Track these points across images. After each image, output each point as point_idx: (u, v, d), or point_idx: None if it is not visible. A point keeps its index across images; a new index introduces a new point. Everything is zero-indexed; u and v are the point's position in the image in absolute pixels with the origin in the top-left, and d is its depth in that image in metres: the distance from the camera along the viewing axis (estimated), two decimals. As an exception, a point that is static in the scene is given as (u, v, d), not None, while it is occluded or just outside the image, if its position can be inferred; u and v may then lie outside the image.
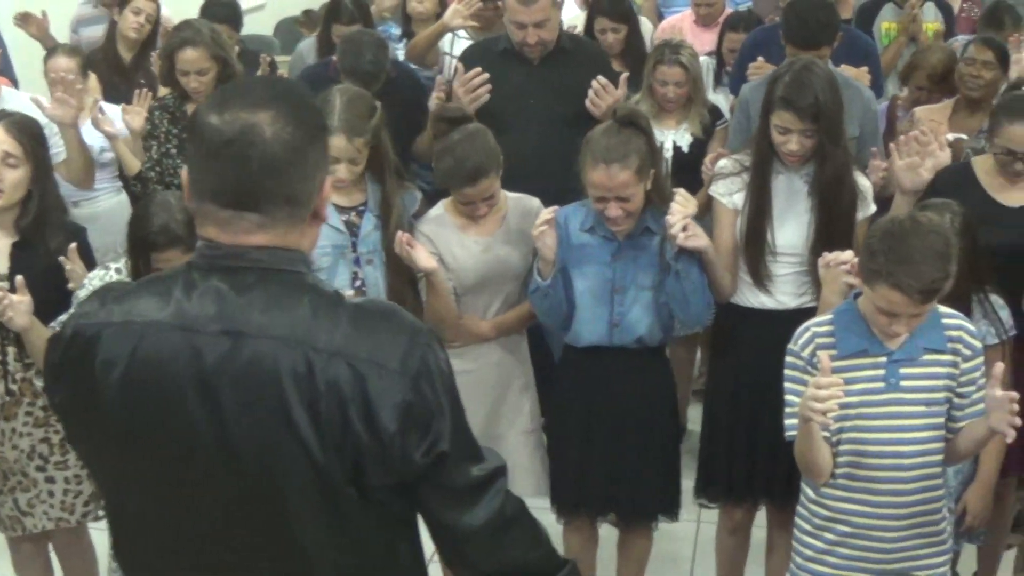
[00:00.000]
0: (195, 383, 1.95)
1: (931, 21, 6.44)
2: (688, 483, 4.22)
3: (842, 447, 3.16)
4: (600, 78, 4.63)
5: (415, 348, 2.00)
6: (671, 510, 4.10)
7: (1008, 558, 4.39)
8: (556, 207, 3.85)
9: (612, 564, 4.31)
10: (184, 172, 2.03)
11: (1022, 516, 4.24)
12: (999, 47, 5.14)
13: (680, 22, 6.70)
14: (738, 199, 3.96)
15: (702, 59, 5.84)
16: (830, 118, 3.81)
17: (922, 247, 2.97)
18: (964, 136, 4.71)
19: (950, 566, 4.31)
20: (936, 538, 3.26)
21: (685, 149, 5.03)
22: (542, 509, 4.15)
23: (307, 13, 9.06)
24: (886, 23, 6.42)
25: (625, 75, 4.71)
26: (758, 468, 4.01)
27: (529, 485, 4.09)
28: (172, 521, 2.04)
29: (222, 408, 1.94)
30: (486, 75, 4.79)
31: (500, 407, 4.07)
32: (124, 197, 5.37)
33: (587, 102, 4.60)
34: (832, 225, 3.88)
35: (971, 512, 3.81)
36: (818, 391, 2.93)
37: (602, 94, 4.59)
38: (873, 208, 3.99)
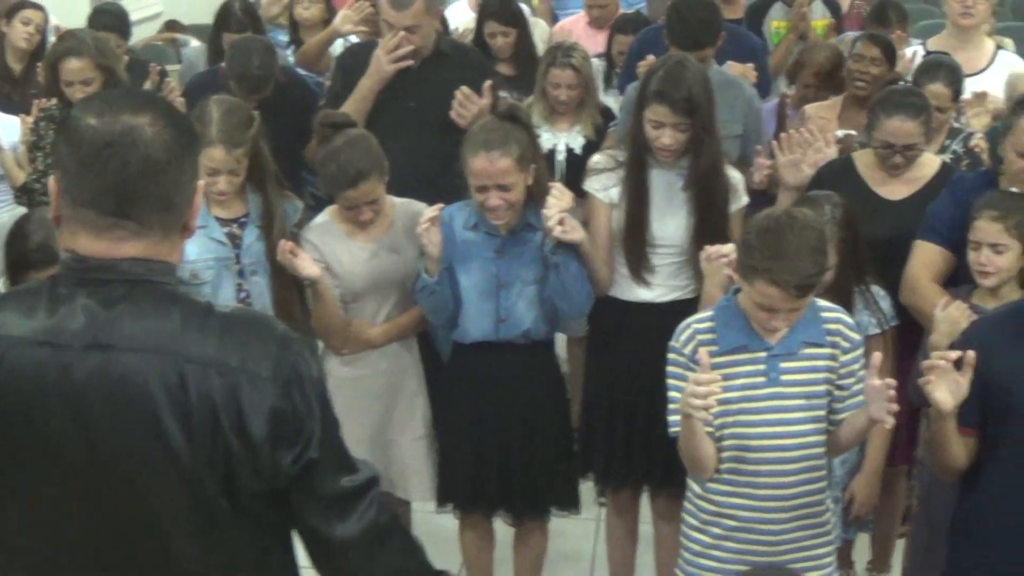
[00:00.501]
0: (64, 400, 1.93)
1: (820, 19, 6.51)
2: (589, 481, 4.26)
3: (726, 442, 3.20)
4: (464, 88, 4.61)
5: (286, 356, 2.00)
6: (568, 503, 4.13)
7: (900, 546, 4.45)
8: (441, 205, 3.87)
9: (510, 565, 4.31)
10: (52, 181, 2.00)
11: (910, 509, 4.29)
12: (886, 44, 5.21)
13: (573, 24, 6.72)
14: (614, 194, 4.00)
15: (593, 61, 5.87)
16: (703, 112, 3.86)
17: (797, 243, 3.01)
18: (854, 132, 4.77)
19: (847, 555, 4.41)
20: (820, 529, 3.30)
21: (578, 151, 5.05)
22: (439, 512, 4.17)
23: (169, 24, 9.10)
24: (775, 22, 6.49)
25: (489, 83, 4.69)
26: (636, 455, 4.07)
27: (422, 490, 4.11)
28: (45, 539, 2.02)
29: (93, 424, 1.93)
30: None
31: (392, 413, 4.06)
32: (21, 211, 5.28)
33: (452, 113, 4.59)
34: (708, 218, 3.93)
35: (858, 500, 3.87)
36: (697, 387, 2.96)
37: (467, 104, 4.58)
38: (745, 200, 4.06)
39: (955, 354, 2.92)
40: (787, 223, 3.06)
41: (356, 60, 4.89)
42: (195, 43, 7.93)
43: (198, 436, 1.93)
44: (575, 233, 3.80)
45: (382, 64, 4.69)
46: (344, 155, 3.84)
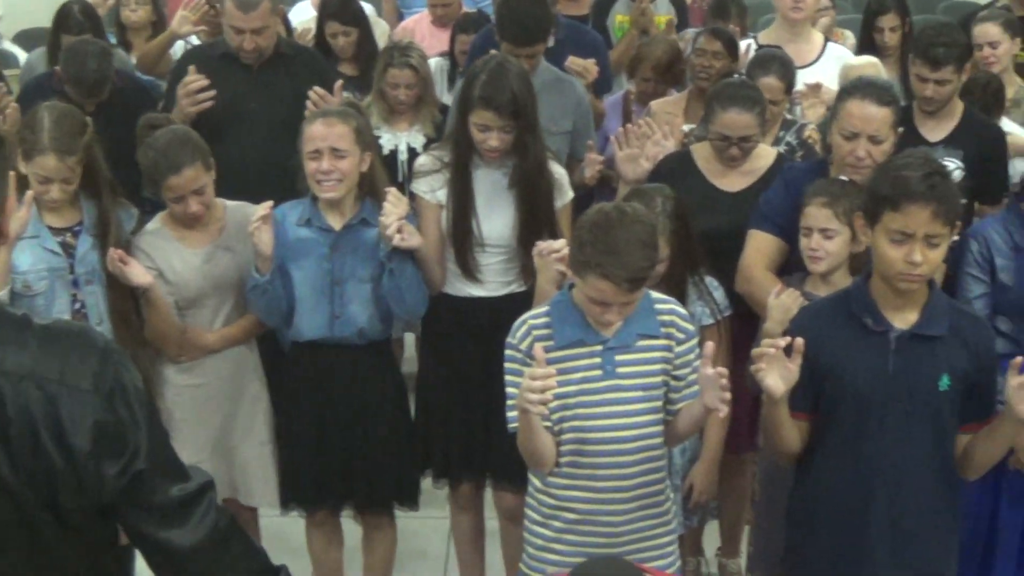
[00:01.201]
0: None
1: (663, 13, 6.58)
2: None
3: (564, 436, 3.21)
4: (317, 89, 4.61)
5: (107, 367, 1.97)
6: (408, 499, 4.14)
7: (746, 533, 4.52)
8: (271, 202, 3.84)
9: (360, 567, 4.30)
10: None
11: (753, 496, 4.37)
12: (728, 37, 5.28)
13: (417, 23, 6.71)
14: (441, 195, 4.04)
15: (436, 60, 5.87)
16: (527, 113, 3.91)
17: (628, 237, 3.03)
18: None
19: (697, 542, 4.47)
20: (661, 519, 3.33)
21: (420, 150, 5.03)
22: (284, 515, 4.13)
23: None
24: (620, 16, 6.52)
25: (340, 82, 4.71)
26: (476, 451, 4.09)
27: (268, 496, 4.09)
28: None
29: None
30: (206, 80, 4.72)
31: (233, 419, 4.02)
32: None
33: (307, 113, 4.55)
34: (533, 215, 3.98)
35: (697, 489, 3.92)
36: (533, 382, 2.96)
37: (321, 104, 4.56)
38: (570, 195, 4.12)
39: (784, 341, 2.98)
40: (617, 218, 3.08)
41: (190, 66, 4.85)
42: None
43: (18, 451, 1.89)
44: (413, 239, 3.83)
45: (183, 106, 4.68)
46: (163, 142, 3.82)
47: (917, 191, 2.90)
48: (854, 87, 3.89)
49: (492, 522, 4.34)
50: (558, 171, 4.11)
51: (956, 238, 3.92)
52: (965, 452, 3.11)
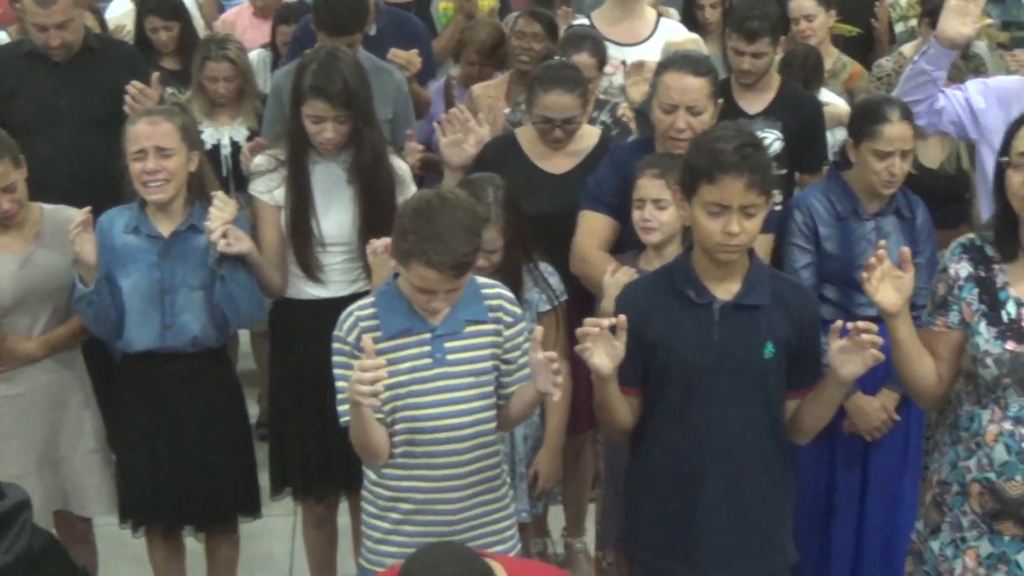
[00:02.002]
0: None
1: (486, -1, 6.59)
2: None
3: (397, 427, 3.17)
4: (135, 83, 4.47)
5: None
6: (250, 508, 4.06)
7: (591, 511, 4.54)
8: (90, 208, 3.72)
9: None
10: None
11: (599, 475, 4.38)
12: (547, 19, 5.30)
13: (238, 15, 6.61)
14: (278, 195, 3.95)
15: (258, 52, 5.78)
16: (361, 102, 3.84)
17: (450, 223, 3.00)
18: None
19: (542, 523, 4.48)
20: (499, 504, 3.31)
21: (243, 144, 4.95)
22: (122, 528, 4.02)
23: None
24: (443, 3, 6.51)
25: (156, 74, 4.60)
26: (334, 457, 3.98)
27: (101, 505, 3.98)
28: None
29: None
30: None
31: (59, 429, 3.89)
32: None
33: (126, 107, 4.43)
34: (375, 210, 3.90)
35: (542, 475, 3.91)
36: (363, 374, 2.92)
37: (140, 98, 4.44)
38: (413, 189, 4.04)
39: (607, 321, 2.97)
40: (438, 204, 3.05)
41: None
42: None
43: None
44: (241, 244, 3.74)
45: None
46: None
47: (731, 162, 2.92)
48: (670, 60, 3.93)
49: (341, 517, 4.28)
50: (399, 164, 4.06)
51: (779, 207, 4.03)
52: (794, 417, 3.16)
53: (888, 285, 2.91)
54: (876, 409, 3.90)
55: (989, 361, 2.93)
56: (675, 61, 3.89)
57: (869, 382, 3.73)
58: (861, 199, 3.92)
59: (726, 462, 3.08)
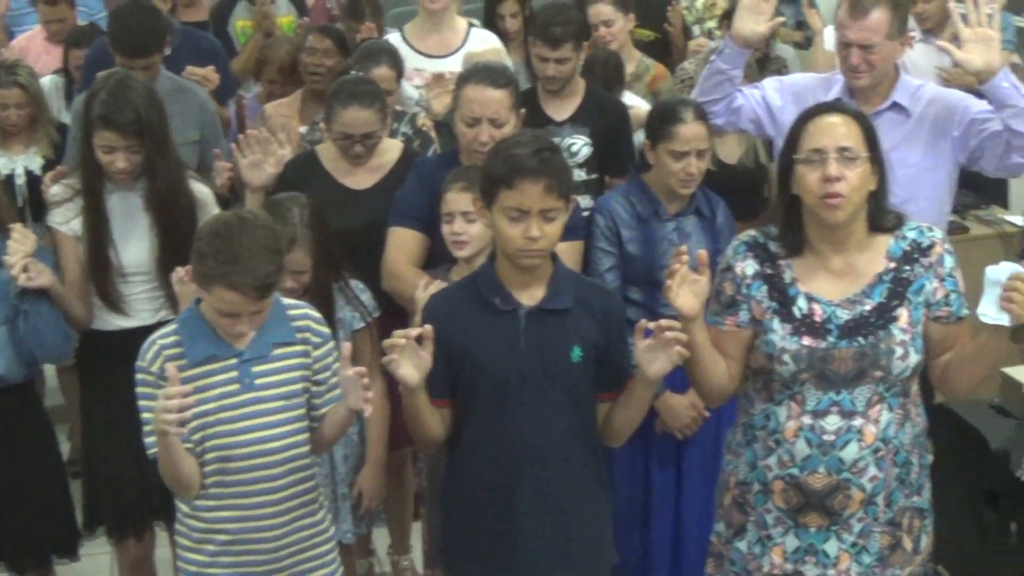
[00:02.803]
0: None
1: (285, 15, 6.50)
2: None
3: (208, 456, 3.11)
4: None
5: None
6: (67, 549, 3.96)
7: (417, 529, 4.51)
8: None
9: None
10: None
11: (423, 492, 4.35)
12: (337, 35, 5.27)
13: (30, 41, 6.40)
14: (76, 225, 3.86)
15: (50, 78, 5.62)
16: (154, 131, 3.76)
17: (251, 244, 2.96)
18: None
19: (367, 543, 4.44)
20: (318, 528, 3.28)
21: (38, 172, 4.81)
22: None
23: None
24: (240, 21, 6.42)
25: None
26: (152, 487, 3.86)
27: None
28: None
29: None
30: None
31: None
32: None
33: None
34: (174, 238, 3.81)
35: (366, 495, 3.88)
36: (169, 403, 2.86)
37: None
38: (215, 212, 3.94)
39: (415, 331, 2.95)
40: (238, 225, 3.00)
41: None
42: None
43: None
44: (42, 278, 3.64)
45: None
46: None
47: (528, 167, 2.92)
48: (470, 73, 3.93)
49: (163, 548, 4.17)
50: (199, 189, 3.97)
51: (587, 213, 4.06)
52: (606, 420, 3.17)
53: (687, 290, 2.93)
54: (686, 407, 3.96)
55: (786, 358, 2.97)
56: (475, 74, 3.90)
57: (678, 380, 3.77)
58: (661, 200, 3.98)
59: (540, 468, 3.08)
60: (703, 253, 2.95)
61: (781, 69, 5.64)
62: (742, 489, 3.12)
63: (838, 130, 2.93)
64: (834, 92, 3.94)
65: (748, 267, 3.05)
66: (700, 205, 4.01)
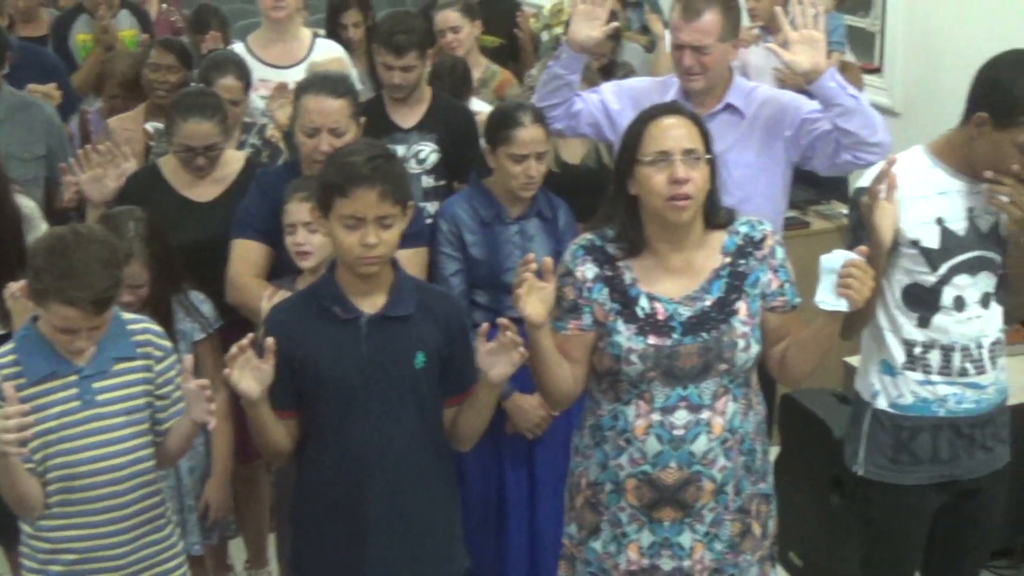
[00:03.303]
0: None
1: (127, 29, 6.42)
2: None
3: (50, 475, 3.07)
4: None
5: None
6: None
7: (274, 542, 4.49)
8: None
9: None
10: None
11: (276, 504, 4.33)
12: (180, 48, 5.23)
13: None
14: None
15: None
16: None
17: (86, 258, 2.93)
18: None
19: (223, 557, 4.40)
20: (166, 543, 3.26)
21: None
22: None
23: None
24: (81, 35, 6.32)
25: None
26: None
27: None
28: None
29: None
30: None
31: None
32: None
33: None
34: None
35: (213, 506, 3.86)
36: (7, 422, 2.83)
37: None
38: (44, 227, 3.91)
39: (246, 340, 2.96)
40: (73, 240, 2.97)
41: None
42: None
43: None
44: None
45: None
46: None
47: (362, 174, 2.94)
48: (309, 83, 3.93)
49: None
50: (25, 203, 3.92)
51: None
52: (453, 424, 3.20)
53: (535, 298, 2.94)
54: (534, 407, 4.01)
55: (633, 357, 3.01)
56: (313, 84, 3.90)
57: (528, 381, 3.82)
58: (503, 204, 4.03)
59: (387, 475, 3.10)
60: (548, 260, 2.97)
61: (628, 74, 5.72)
62: (594, 490, 3.15)
63: (680, 132, 2.98)
64: (670, 95, 4.00)
65: (588, 271, 3.07)
66: (542, 208, 4.06)
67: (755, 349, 3.06)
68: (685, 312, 3.03)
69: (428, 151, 4.63)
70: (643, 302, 3.04)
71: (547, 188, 4.14)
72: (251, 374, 2.95)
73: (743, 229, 3.11)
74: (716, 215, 3.09)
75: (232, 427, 3.81)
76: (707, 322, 3.02)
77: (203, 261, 3.90)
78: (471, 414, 3.17)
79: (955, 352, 3.35)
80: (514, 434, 4.07)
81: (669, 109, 3.08)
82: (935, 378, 3.36)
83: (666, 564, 3.10)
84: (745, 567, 3.16)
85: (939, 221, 3.29)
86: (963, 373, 3.36)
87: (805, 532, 4.55)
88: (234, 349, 2.95)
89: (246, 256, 3.90)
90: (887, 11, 7.18)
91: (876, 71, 7.24)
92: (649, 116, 3.04)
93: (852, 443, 3.51)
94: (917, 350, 3.36)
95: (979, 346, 3.37)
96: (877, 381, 3.43)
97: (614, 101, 4.11)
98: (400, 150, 4.59)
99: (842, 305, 2.91)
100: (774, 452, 4.73)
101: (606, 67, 5.69)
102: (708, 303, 3.04)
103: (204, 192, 4.16)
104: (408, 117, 4.70)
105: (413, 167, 4.60)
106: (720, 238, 3.10)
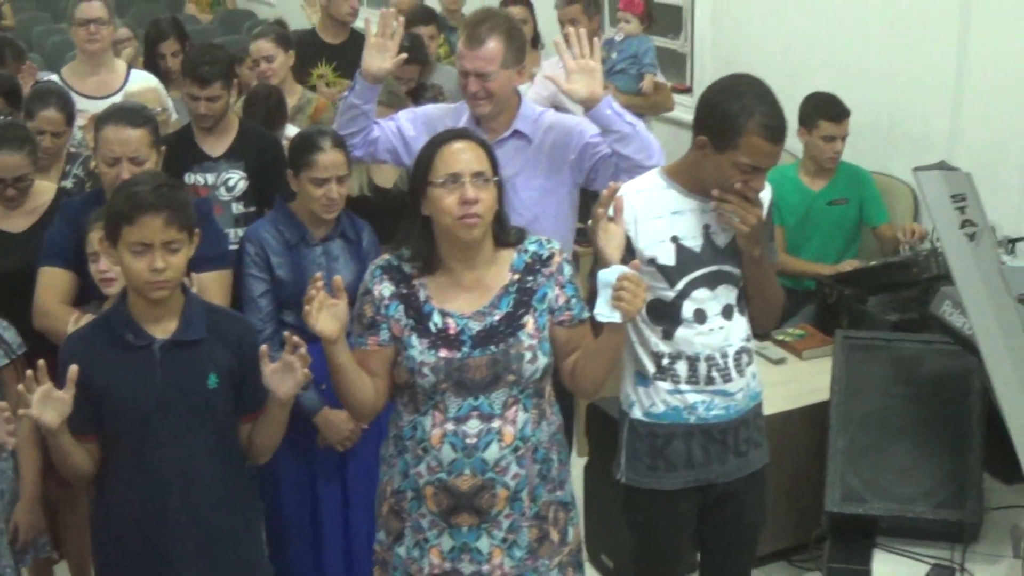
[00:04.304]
0: None
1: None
2: None
3: None
4: None
5: None
6: None
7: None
8: None
9: None
10: None
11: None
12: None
13: None
14: None
15: None
16: None
17: None
18: None
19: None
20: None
21: None
22: None
23: None
24: None
25: None
26: None
27: None
28: None
29: None
30: None
31: None
32: None
33: None
34: None
35: (21, 528, 3.91)
36: None
37: None
38: None
39: (29, 372, 3.03)
40: None
41: None
42: None
43: None
44: None
45: None
46: None
47: (148, 202, 3.05)
48: (108, 114, 3.99)
49: None
50: None
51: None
52: (248, 440, 3.33)
53: (327, 314, 3.07)
54: (343, 420, 4.12)
55: (426, 370, 3.14)
56: (112, 114, 3.97)
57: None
58: (308, 226, 4.15)
59: (187, 497, 3.20)
60: (338, 279, 3.10)
61: (437, 96, 5.89)
62: (398, 497, 3.27)
63: (469, 155, 3.14)
64: (462, 121, 4.17)
65: (385, 289, 3.21)
66: (346, 229, 4.19)
67: (543, 361, 3.21)
68: (475, 326, 3.17)
69: (237, 178, 4.74)
70: (436, 318, 3.18)
71: (361, 211, 4.28)
72: (51, 405, 3.03)
73: (532, 248, 3.27)
74: (505, 234, 3.25)
75: (42, 451, 3.86)
76: (495, 336, 3.17)
77: (17, 290, 3.97)
78: (265, 430, 3.29)
79: (700, 362, 3.51)
80: (326, 448, 4.19)
81: (458, 135, 3.23)
82: (683, 387, 3.52)
83: (466, 568, 3.22)
84: (544, 572, 3.29)
85: (674, 239, 3.45)
86: (710, 381, 3.52)
87: (613, 536, 4.73)
88: (21, 387, 3.02)
89: (52, 283, 3.97)
90: (695, 33, 7.48)
91: (688, 91, 7.52)
92: (440, 141, 3.20)
93: (617, 452, 3.66)
94: (665, 361, 3.51)
95: (724, 355, 3.53)
96: (632, 392, 3.58)
97: (409, 128, 4.24)
98: (209, 178, 4.73)
99: (616, 317, 3.08)
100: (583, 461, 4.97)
101: (414, 90, 5.86)
102: (497, 318, 3.19)
103: (16, 223, 4.23)
104: (216, 146, 4.81)
105: (223, 194, 4.73)
106: (510, 256, 3.25)
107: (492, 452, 3.16)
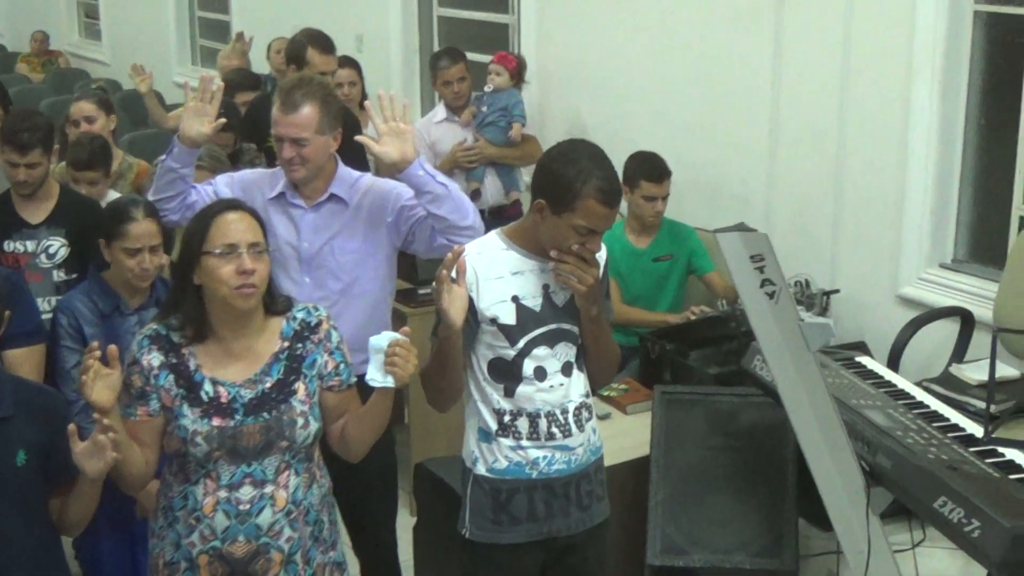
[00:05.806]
0: None
1: None
2: None
3: None
4: None
5: None
6: None
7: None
8: None
9: None
10: None
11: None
12: None
13: None
14: None
15: None
16: None
17: None
18: None
19: None
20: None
21: None
22: None
23: None
24: None
25: None
26: None
27: None
28: None
29: None
30: None
31: None
32: None
33: None
34: None
35: None
36: None
37: None
38: None
39: None
40: None
41: None
42: None
43: None
44: None
45: None
46: None
47: None
48: None
49: None
50: None
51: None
52: (59, 513, 3.28)
53: (102, 384, 3.06)
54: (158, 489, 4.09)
55: (199, 439, 3.16)
56: None
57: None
58: (122, 295, 4.14)
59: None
60: (113, 348, 3.10)
61: (254, 160, 5.91)
62: (171, 569, 3.26)
63: (244, 226, 3.20)
64: (279, 185, 4.20)
65: (154, 359, 3.22)
66: (160, 296, 4.16)
67: (314, 426, 3.27)
68: (247, 394, 3.22)
69: (58, 245, 4.68)
70: (207, 386, 3.22)
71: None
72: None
73: (300, 315, 3.35)
74: (275, 303, 3.32)
75: None
76: (268, 403, 3.22)
77: None
78: (76, 505, 3.25)
79: (540, 418, 3.55)
80: (143, 519, 4.14)
81: (231, 205, 3.30)
82: (525, 443, 3.56)
83: None
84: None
85: (515, 299, 3.51)
86: (551, 437, 3.56)
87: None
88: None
89: None
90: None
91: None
92: (214, 212, 3.25)
93: (461, 508, 3.69)
94: (507, 418, 3.55)
95: (564, 411, 3.57)
96: (476, 448, 3.62)
97: (227, 192, 4.22)
98: (30, 245, 4.66)
99: (389, 382, 3.17)
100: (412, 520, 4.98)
101: (232, 154, 5.87)
102: (268, 385, 3.24)
103: None
104: (36, 213, 4.74)
105: (43, 262, 4.66)
106: (279, 324, 3.32)
107: (265, 517, 3.21)
